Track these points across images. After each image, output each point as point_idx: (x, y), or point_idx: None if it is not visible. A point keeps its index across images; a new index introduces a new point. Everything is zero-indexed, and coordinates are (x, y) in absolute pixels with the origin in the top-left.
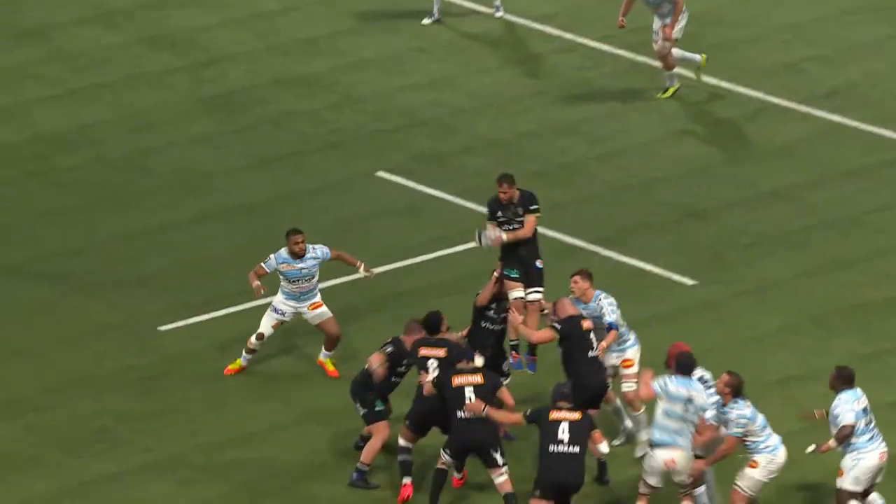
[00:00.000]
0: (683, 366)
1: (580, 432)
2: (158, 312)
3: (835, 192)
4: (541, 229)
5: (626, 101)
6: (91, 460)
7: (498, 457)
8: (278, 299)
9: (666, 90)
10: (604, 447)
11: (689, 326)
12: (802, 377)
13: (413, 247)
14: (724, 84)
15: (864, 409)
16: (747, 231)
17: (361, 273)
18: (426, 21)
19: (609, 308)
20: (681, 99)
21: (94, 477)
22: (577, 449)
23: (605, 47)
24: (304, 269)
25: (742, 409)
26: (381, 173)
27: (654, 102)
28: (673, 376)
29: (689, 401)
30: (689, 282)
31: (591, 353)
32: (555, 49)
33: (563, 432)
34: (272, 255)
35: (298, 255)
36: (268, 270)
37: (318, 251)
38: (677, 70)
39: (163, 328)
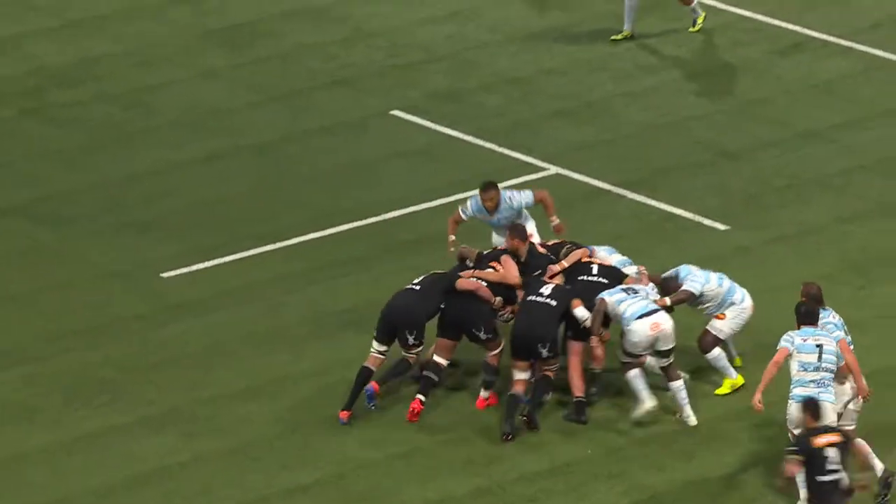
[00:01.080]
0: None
1: (561, 292)
2: (162, 258)
3: (877, 132)
4: (566, 172)
5: (656, 34)
6: (91, 412)
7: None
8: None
9: (694, 23)
10: (581, 311)
11: (722, 273)
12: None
13: (430, 190)
14: (760, 17)
15: (818, 346)
16: (783, 173)
17: (554, 221)
18: None
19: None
20: (714, 33)
21: (93, 429)
22: (554, 302)
23: None
24: (500, 219)
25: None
26: (395, 112)
27: (685, 36)
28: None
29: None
30: (721, 227)
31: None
32: None
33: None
34: (469, 200)
35: (491, 211)
36: (464, 217)
37: (515, 202)
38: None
39: (166, 275)
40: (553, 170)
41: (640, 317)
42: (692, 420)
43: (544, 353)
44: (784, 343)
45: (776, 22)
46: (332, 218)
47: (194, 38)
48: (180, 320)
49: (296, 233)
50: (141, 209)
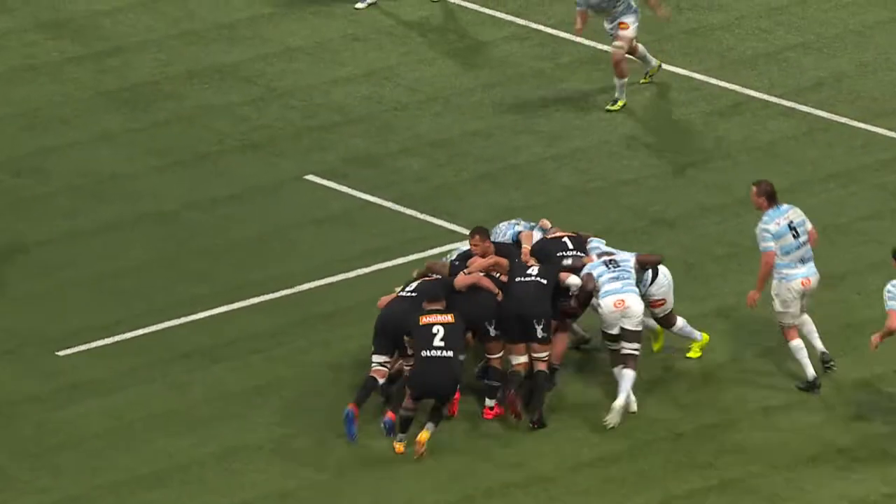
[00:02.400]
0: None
1: (548, 270)
2: (57, 335)
3: (821, 197)
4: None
5: (586, 95)
6: None
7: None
8: None
9: (615, 101)
10: (572, 279)
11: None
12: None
13: (348, 259)
14: (698, 76)
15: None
16: (723, 241)
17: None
18: (360, 5)
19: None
20: (649, 93)
21: None
22: (544, 280)
23: (563, 34)
24: None
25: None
26: (310, 177)
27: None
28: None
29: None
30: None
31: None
32: (507, 36)
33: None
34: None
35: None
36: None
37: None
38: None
39: (62, 353)
40: None
41: (609, 294)
42: (633, 406)
43: (539, 331)
44: (767, 247)
45: (715, 81)
46: (241, 291)
47: (92, 99)
48: (78, 401)
49: (202, 307)
50: (33, 283)
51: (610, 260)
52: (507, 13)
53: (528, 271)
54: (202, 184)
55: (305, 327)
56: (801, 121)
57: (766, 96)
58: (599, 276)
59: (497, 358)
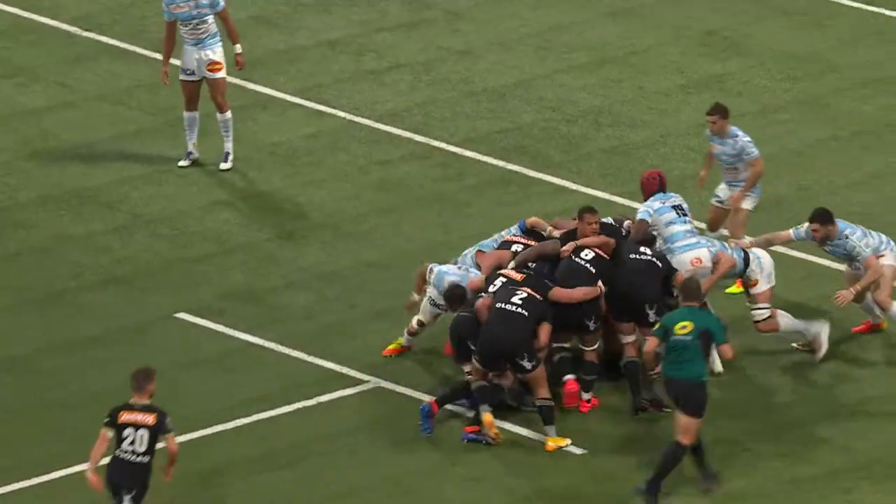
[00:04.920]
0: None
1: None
2: None
3: None
4: (387, 384)
5: (494, 219)
6: None
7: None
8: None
9: (226, 159)
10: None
11: None
12: None
13: (225, 409)
14: (618, 199)
15: (676, 207)
16: None
17: None
18: (224, 165)
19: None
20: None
21: None
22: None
23: (468, 153)
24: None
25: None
26: (181, 315)
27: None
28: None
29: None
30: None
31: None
32: (405, 155)
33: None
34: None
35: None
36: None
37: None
38: None
39: None
40: (372, 382)
41: (686, 249)
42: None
43: (652, 315)
44: (642, 215)
45: (637, 205)
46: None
47: None
48: None
49: (60, 465)
50: None
51: (677, 205)
52: (404, 129)
53: (642, 249)
54: (58, 325)
55: (179, 486)
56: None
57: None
58: (670, 222)
59: (593, 350)
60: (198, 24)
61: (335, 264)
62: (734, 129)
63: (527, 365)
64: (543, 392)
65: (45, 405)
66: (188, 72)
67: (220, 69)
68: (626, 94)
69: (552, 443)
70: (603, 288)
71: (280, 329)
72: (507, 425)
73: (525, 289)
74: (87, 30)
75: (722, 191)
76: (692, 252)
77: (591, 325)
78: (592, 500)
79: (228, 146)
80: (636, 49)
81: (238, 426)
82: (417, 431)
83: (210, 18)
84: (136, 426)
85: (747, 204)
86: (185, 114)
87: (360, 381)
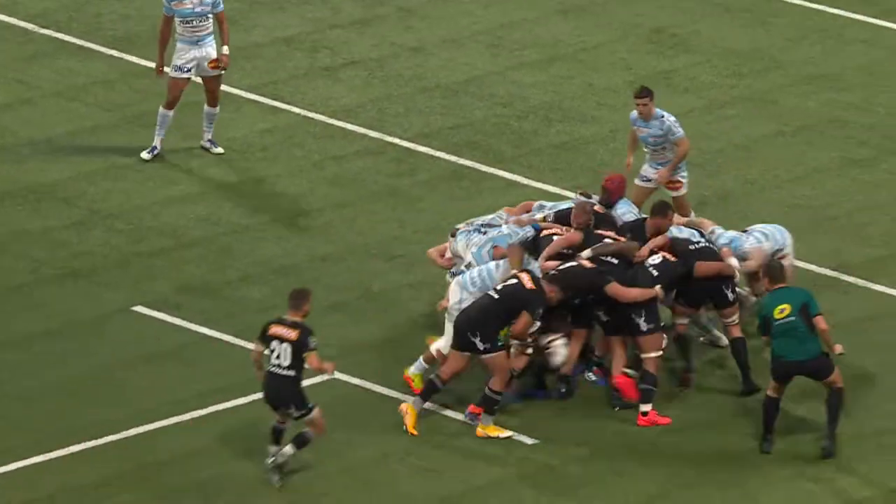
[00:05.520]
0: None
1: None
2: None
3: None
4: (344, 376)
5: (447, 215)
6: None
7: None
8: None
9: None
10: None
11: None
12: None
13: (182, 401)
14: (567, 193)
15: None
16: None
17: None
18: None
19: None
20: None
21: None
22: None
23: (421, 148)
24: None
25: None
26: (138, 308)
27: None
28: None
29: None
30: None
31: None
32: (359, 151)
33: None
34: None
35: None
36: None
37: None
38: None
39: None
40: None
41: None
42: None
43: (729, 294)
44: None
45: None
46: (59, 439)
47: None
48: None
49: (14, 457)
50: None
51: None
52: (359, 125)
53: (697, 239)
54: (15, 319)
55: (135, 479)
56: None
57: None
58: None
59: (653, 358)
60: (199, 22)
61: (291, 258)
62: (658, 110)
63: (479, 345)
64: (497, 383)
65: (2, 398)
66: (185, 69)
67: (219, 66)
68: (577, 90)
69: (482, 430)
70: (661, 292)
71: (236, 322)
72: (459, 415)
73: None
74: (44, 27)
75: (647, 171)
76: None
77: (644, 326)
78: (544, 487)
79: (211, 134)
80: (586, 46)
81: (195, 417)
82: (372, 422)
83: (210, 17)
84: (281, 340)
85: (683, 189)
86: (163, 111)
87: (314, 373)
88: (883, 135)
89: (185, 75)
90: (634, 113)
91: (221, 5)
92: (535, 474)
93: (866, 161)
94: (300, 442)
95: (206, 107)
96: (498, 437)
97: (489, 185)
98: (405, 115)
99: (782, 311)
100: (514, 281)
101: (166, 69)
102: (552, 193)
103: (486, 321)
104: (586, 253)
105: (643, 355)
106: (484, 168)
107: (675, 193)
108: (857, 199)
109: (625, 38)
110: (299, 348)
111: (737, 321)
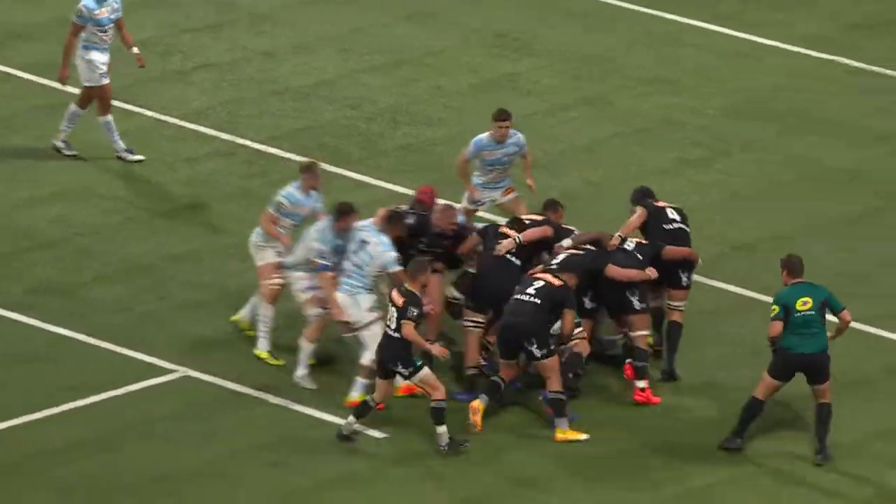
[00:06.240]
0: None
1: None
2: None
3: None
4: (196, 374)
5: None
6: None
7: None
8: None
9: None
10: None
11: None
12: None
13: (35, 401)
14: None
15: None
16: None
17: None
18: (131, 157)
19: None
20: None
21: None
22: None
23: (272, 150)
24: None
25: None
26: None
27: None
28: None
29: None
30: None
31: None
32: (210, 153)
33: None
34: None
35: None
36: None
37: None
38: None
39: None
40: (181, 371)
41: None
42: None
43: (684, 279)
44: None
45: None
46: None
47: None
48: None
49: None
50: None
51: None
52: (211, 128)
53: (666, 226)
54: None
55: None
56: None
57: (493, 216)
58: None
59: (643, 335)
60: (110, 29)
61: (146, 258)
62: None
63: (536, 352)
64: (556, 383)
65: None
66: (106, 74)
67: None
68: (423, 93)
69: (561, 434)
70: (654, 273)
71: (91, 321)
72: (310, 410)
73: (546, 276)
74: None
75: (481, 194)
76: None
77: (637, 305)
78: (395, 481)
79: (118, 139)
80: (432, 50)
81: (48, 416)
82: (223, 419)
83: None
84: (394, 305)
85: (515, 193)
86: (80, 111)
87: (169, 371)
88: (715, 136)
89: (107, 81)
90: (483, 137)
91: (121, 12)
92: (390, 466)
93: (700, 161)
94: (436, 417)
95: (101, 118)
96: (577, 441)
97: (338, 185)
98: (257, 118)
99: (805, 303)
100: (542, 283)
101: (87, 77)
102: (399, 193)
103: (539, 327)
104: (566, 242)
105: (634, 333)
106: (333, 169)
107: (510, 196)
108: (693, 199)
109: (470, 43)
110: (402, 314)
111: (683, 308)
